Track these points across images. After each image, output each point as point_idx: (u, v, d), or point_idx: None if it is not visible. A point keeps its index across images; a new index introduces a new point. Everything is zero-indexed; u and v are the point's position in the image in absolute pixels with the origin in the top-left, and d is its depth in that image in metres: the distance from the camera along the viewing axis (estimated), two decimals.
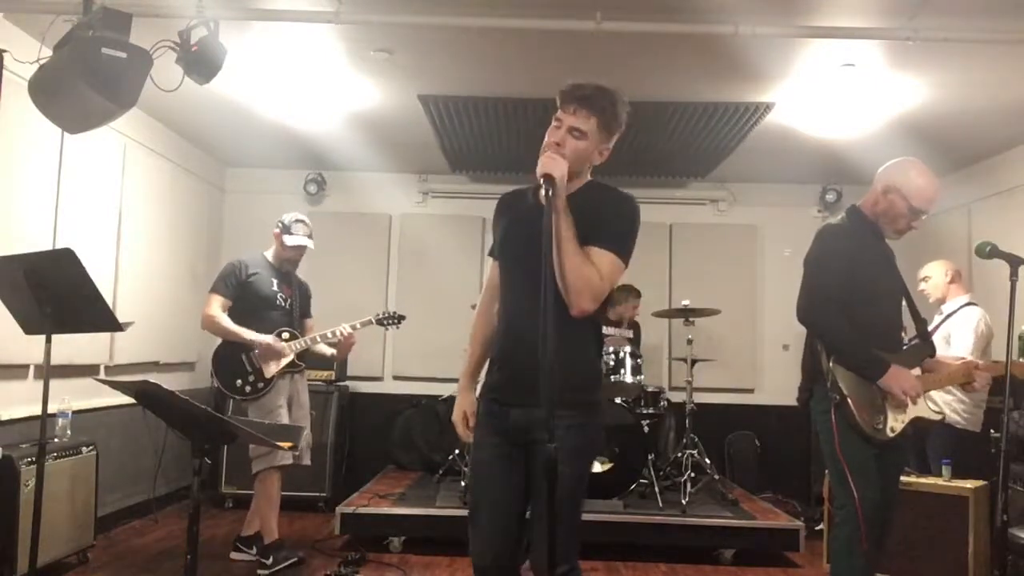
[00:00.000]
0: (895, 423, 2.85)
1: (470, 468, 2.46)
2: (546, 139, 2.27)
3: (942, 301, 4.60)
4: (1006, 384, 2.85)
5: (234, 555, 4.45)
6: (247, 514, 4.46)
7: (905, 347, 2.99)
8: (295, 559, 4.28)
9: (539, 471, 2.05)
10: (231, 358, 4.26)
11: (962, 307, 4.51)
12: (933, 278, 4.62)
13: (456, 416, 2.45)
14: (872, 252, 2.92)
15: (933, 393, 3.46)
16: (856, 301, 2.83)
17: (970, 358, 3.90)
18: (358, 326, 4.43)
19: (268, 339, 4.24)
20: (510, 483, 2.28)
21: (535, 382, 1.95)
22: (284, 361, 4.30)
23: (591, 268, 2.17)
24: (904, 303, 3.04)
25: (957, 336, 4.37)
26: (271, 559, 4.22)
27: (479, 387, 2.46)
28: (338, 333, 4.37)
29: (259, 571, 4.20)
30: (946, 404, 4.23)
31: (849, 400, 2.82)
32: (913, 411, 2.88)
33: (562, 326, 2.03)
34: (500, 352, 2.35)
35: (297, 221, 4.43)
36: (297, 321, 4.49)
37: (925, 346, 2.99)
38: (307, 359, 4.51)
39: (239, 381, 4.24)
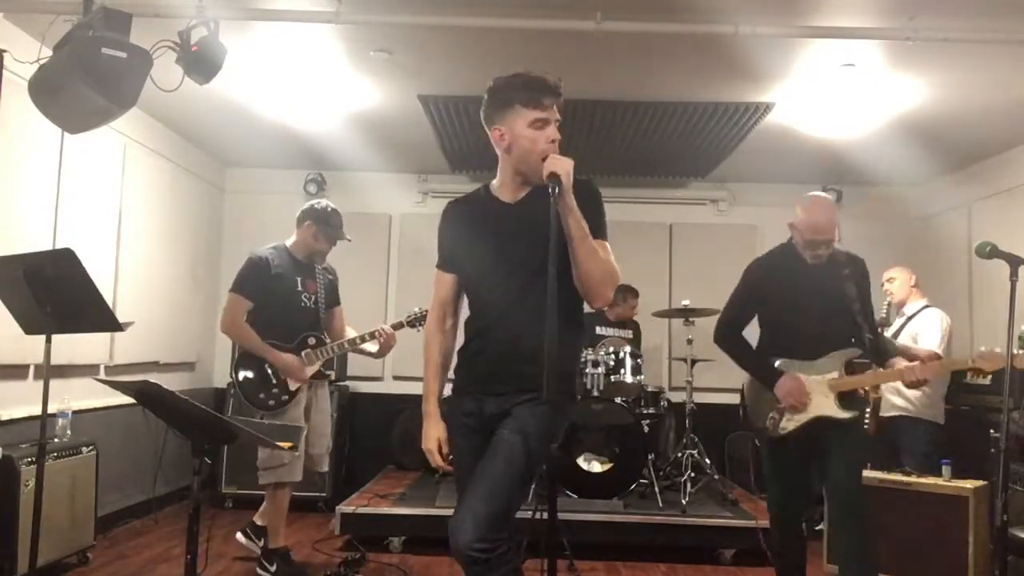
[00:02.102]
0: (788, 423, 3.22)
1: (457, 471, 2.35)
2: (539, 140, 2.26)
3: (903, 303, 4.84)
4: (1006, 384, 2.86)
5: (240, 537, 4.33)
6: (261, 505, 4.34)
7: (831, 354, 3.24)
8: None
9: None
10: (254, 369, 4.06)
11: (923, 308, 4.76)
12: (898, 280, 4.86)
13: (431, 444, 2.33)
14: (787, 274, 3.28)
15: (902, 388, 4.02)
16: (773, 317, 3.32)
17: (939, 351, 4.40)
18: (390, 328, 4.21)
19: (292, 361, 4.03)
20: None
21: (513, 372, 2.21)
22: (310, 372, 4.11)
23: (610, 259, 2.25)
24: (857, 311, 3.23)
25: (925, 333, 4.62)
26: (274, 566, 4.13)
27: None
28: (380, 333, 4.15)
29: (259, 571, 4.20)
30: (916, 398, 4.56)
31: (748, 405, 3.40)
32: (812, 410, 3.18)
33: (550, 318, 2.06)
34: (479, 347, 2.34)
35: (334, 211, 4.19)
36: (323, 319, 4.26)
37: (849, 351, 3.23)
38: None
39: (262, 394, 4.03)
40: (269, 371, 4.06)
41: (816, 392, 3.19)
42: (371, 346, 4.23)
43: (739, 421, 3.46)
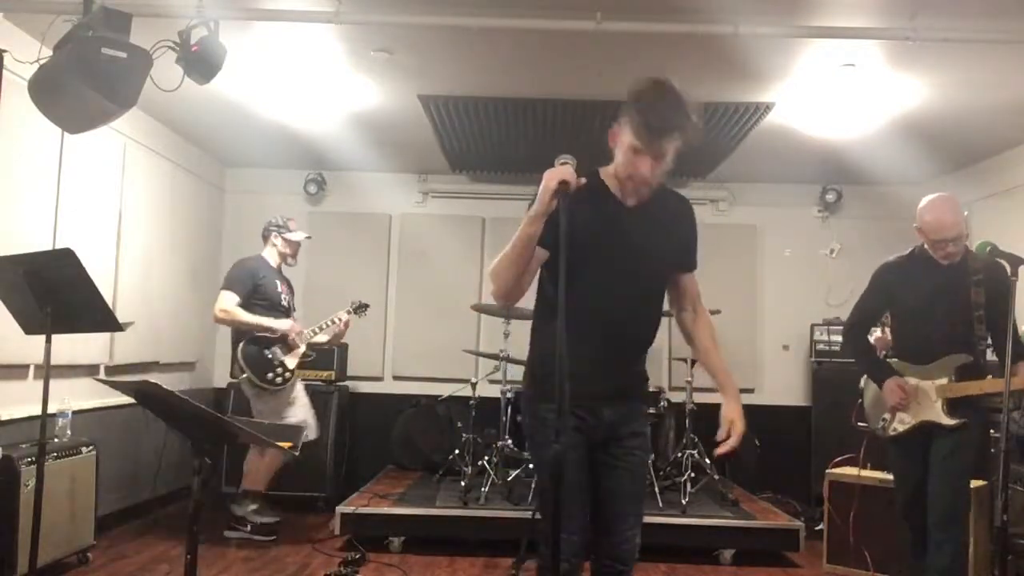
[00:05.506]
0: (899, 425, 3.33)
1: (552, 473, 2.00)
2: (630, 169, 2.21)
3: None
4: (1006, 384, 2.85)
5: (228, 533, 4.81)
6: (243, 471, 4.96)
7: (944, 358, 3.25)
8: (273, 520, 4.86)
9: (631, 466, 2.42)
10: (257, 354, 4.73)
11: None
12: None
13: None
14: (915, 277, 3.31)
15: None
16: (899, 319, 3.44)
17: None
18: (345, 316, 5.06)
19: (291, 323, 4.81)
20: (589, 487, 2.37)
21: (626, 381, 2.34)
22: (300, 351, 4.84)
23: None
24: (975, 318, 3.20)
25: None
26: (256, 504, 4.84)
27: (525, 381, 2.45)
28: (337, 321, 5.00)
29: (232, 505, 4.82)
30: None
31: (863, 402, 3.56)
32: (919, 415, 3.26)
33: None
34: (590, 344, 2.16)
35: (289, 219, 5.03)
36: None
37: (959, 357, 3.21)
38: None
39: (270, 374, 4.73)
40: (268, 355, 4.74)
41: (925, 397, 3.23)
42: (322, 337, 5.03)
43: (853, 417, 3.64)
